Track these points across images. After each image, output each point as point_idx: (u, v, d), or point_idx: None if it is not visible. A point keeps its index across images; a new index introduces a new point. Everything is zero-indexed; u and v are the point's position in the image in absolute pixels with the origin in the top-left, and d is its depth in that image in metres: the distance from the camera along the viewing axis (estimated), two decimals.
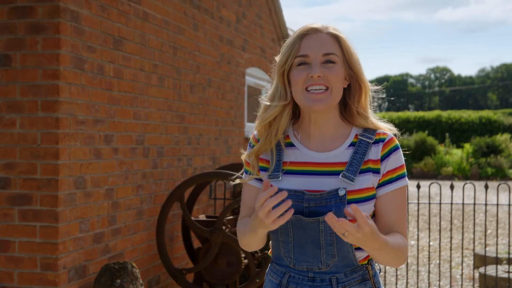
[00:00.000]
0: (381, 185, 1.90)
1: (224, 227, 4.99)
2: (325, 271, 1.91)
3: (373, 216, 1.95)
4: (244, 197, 2.06)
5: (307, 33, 1.90)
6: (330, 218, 1.63)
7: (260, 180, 2.01)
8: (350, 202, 1.85)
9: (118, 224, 4.68)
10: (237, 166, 5.80)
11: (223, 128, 6.78)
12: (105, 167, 4.48)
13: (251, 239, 1.95)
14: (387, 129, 1.97)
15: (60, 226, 3.96)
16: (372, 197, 1.90)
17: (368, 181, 1.89)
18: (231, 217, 5.34)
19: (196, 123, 6.07)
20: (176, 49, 5.59)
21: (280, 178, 1.93)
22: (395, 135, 1.96)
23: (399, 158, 1.92)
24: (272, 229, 1.81)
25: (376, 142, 1.92)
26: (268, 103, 1.96)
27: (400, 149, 1.94)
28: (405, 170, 1.94)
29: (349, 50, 1.91)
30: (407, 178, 1.94)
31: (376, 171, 1.90)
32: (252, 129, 7.78)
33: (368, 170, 1.89)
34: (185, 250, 5.69)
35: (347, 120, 1.98)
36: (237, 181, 2.06)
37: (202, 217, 5.61)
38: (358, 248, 1.91)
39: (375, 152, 1.91)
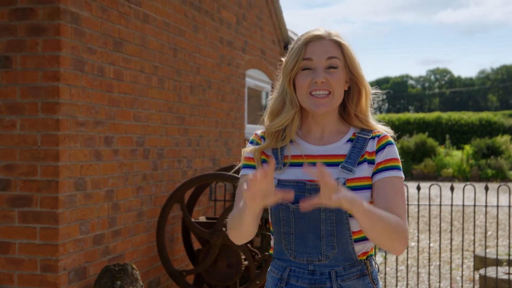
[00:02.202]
0: (375, 173, 1.98)
1: (224, 229, 4.98)
2: (325, 263, 1.96)
3: None
4: (240, 191, 2.07)
5: (311, 40, 2.01)
6: (304, 203, 1.70)
7: None
8: (349, 189, 1.89)
9: (118, 225, 4.68)
10: (237, 168, 5.80)
11: (223, 129, 6.79)
12: (105, 168, 4.48)
13: (237, 222, 1.95)
14: (383, 130, 2.06)
15: (60, 227, 3.96)
16: (369, 187, 1.97)
17: (365, 170, 1.98)
18: None
19: (196, 125, 6.07)
20: (176, 51, 5.59)
21: (281, 169, 2.01)
22: (391, 135, 2.06)
23: (393, 152, 2.00)
24: (253, 205, 1.80)
25: (372, 137, 2.02)
26: (274, 105, 2.06)
27: (395, 146, 2.02)
28: (400, 165, 2.00)
29: (350, 55, 2.02)
30: (402, 173, 1.99)
31: (371, 162, 1.98)
32: (252, 131, 7.78)
33: (364, 161, 1.99)
34: (185, 251, 5.69)
35: (346, 121, 2.09)
36: (245, 176, 2.06)
37: (202, 218, 5.61)
38: (357, 241, 1.96)
39: (371, 145, 2.01)
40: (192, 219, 5.26)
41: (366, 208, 1.78)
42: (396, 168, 1.97)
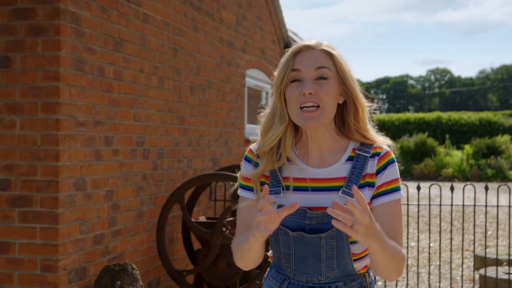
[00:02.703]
0: (375, 196, 1.91)
1: (224, 229, 4.98)
2: (325, 281, 1.93)
3: None
4: (241, 215, 2.02)
5: (301, 51, 1.91)
6: (332, 211, 1.62)
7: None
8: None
9: (118, 225, 4.68)
10: (237, 168, 5.80)
11: (223, 129, 6.79)
12: (105, 168, 4.48)
13: (244, 252, 1.92)
14: (384, 143, 1.97)
15: (60, 227, 3.96)
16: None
17: (365, 195, 1.90)
18: (231, 218, 5.34)
19: (196, 125, 6.07)
20: (176, 51, 5.59)
21: (281, 194, 1.93)
22: (389, 146, 1.98)
23: (394, 172, 1.93)
24: (258, 238, 1.77)
25: (373, 156, 1.93)
26: (265, 123, 1.96)
27: (396, 163, 1.95)
28: (400, 184, 1.94)
29: (341, 66, 1.91)
30: (401, 192, 1.94)
31: (371, 185, 1.91)
32: (252, 131, 7.78)
33: (365, 185, 1.91)
34: (185, 251, 5.69)
35: (345, 135, 1.99)
36: (245, 203, 1.99)
37: (202, 218, 5.61)
38: (357, 260, 1.93)
39: (371, 166, 1.92)
40: (192, 219, 5.26)
41: (380, 248, 1.74)
42: (396, 190, 1.91)
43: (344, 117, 1.97)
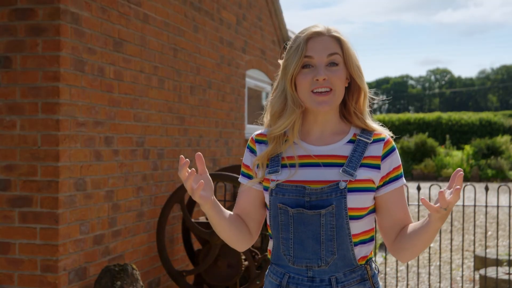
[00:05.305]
0: (388, 182, 1.97)
1: None
2: (324, 269, 1.93)
3: (370, 212, 1.99)
4: (239, 196, 2.11)
5: (311, 37, 1.97)
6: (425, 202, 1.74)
7: (260, 183, 2.06)
8: (350, 191, 1.90)
9: (118, 226, 4.68)
10: (238, 168, 5.80)
11: (223, 130, 6.79)
12: (105, 169, 4.48)
13: (219, 232, 2.03)
14: (383, 131, 2.04)
15: (60, 228, 3.96)
16: (371, 190, 1.95)
17: (367, 173, 1.95)
18: None
19: (196, 125, 6.07)
20: (176, 51, 5.59)
21: (279, 172, 1.97)
22: (391, 137, 2.05)
23: (397, 158, 2.01)
24: (198, 200, 1.93)
25: (375, 141, 1.99)
26: (276, 107, 2.01)
27: (396, 149, 2.03)
28: (402, 169, 2.04)
29: (349, 51, 1.98)
30: (404, 178, 2.04)
31: (376, 167, 1.96)
32: (252, 131, 7.78)
33: (366, 165, 1.96)
34: (185, 252, 5.69)
35: (346, 118, 2.06)
36: (249, 183, 2.07)
37: (202, 219, 5.61)
38: (357, 245, 1.95)
39: (376, 149, 1.98)
40: (192, 219, 5.26)
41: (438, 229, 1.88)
42: (401, 176, 2.00)
43: (345, 100, 2.04)
